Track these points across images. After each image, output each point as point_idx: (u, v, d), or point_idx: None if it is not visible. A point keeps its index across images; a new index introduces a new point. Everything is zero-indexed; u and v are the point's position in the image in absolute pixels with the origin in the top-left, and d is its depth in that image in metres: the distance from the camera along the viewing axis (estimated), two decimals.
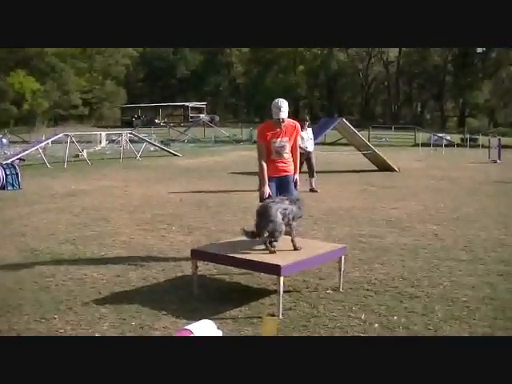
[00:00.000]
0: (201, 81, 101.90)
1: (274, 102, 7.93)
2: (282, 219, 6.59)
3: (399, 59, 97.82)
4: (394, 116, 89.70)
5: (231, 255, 6.51)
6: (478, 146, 39.17)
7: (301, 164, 15.01)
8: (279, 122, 7.85)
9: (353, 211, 12.73)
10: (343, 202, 14.12)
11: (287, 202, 6.83)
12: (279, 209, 6.60)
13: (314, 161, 17.07)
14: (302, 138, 15.70)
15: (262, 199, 7.62)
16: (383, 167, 22.41)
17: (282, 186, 7.96)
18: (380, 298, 6.72)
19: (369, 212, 12.54)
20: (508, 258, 8.61)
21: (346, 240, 9.42)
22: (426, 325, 5.89)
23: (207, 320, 3.08)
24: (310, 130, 17.23)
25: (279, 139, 7.93)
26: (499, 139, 30.47)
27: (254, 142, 45.82)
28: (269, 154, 7.93)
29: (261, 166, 7.87)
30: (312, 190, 16.29)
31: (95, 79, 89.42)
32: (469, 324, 5.91)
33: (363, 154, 23.10)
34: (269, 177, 7.85)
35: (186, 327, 3.05)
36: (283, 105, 7.83)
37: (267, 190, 7.71)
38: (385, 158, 22.34)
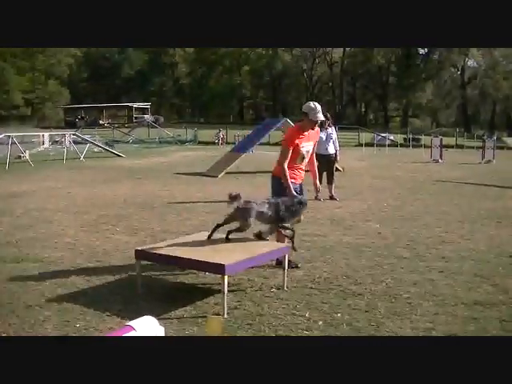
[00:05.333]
0: (145, 81, 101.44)
1: (310, 106, 7.78)
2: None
3: (343, 60, 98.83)
4: (338, 116, 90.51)
5: (175, 255, 6.50)
6: (421, 145, 39.88)
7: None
8: (311, 125, 7.80)
9: None
10: None
11: (266, 206, 7.22)
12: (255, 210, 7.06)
13: (336, 165, 15.65)
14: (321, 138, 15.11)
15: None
16: None
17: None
18: (324, 296, 6.79)
19: (313, 211, 12.61)
20: (448, 255, 8.80)
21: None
22: (368, 321, 5.97)
23: (149, 316, 3.07)
24: (332, 129, 15.47)
25: (307, 143, 7.87)
26: (441, 139, 31.04)
27: (199, 143, 45.95)
28: (293, 159, 7.82)
29: (285, 170, 7.71)
30: (332, 198, 14.84)
31: (37, 79, 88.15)
32: (411, 320, 6.02)
33: None
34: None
35: (127, 323, 3.03)
36: (319, 106, 7.76)
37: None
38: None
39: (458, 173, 23.07)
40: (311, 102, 7.89)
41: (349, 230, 10.73)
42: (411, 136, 45.13)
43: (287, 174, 7.74)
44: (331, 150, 15.19)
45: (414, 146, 41.42)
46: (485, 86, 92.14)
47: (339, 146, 15.50)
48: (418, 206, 13.44)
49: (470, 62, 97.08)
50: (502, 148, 33.47)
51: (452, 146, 40.87)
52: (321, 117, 7.81)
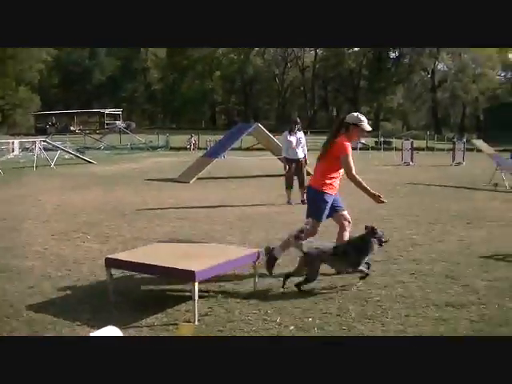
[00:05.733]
0: (117, 87, 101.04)
1: (359, 117, 7.88)
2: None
3: (315, 64, 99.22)
4: (310, 120, 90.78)
5: (145, 262, 6.47)
6: (392, 148, 40.08)
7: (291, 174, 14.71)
8: (361, 135, 8.10)
9: (269, 215, 12.83)
10: (260, 207, 14.21)
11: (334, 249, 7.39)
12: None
13: (305, 169, 15.28)
14: (283, 145, 15.23)
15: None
16: None
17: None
18: (295, 301, 6.78)
19: (285, 216, 12.66)
20: (419, 257, 8.87)
21: (262, 244, 9.45)
22: (340, 325, 5.98)
23: (112, 326, 3.03)
24: (301, 133, 15.35)
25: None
26: (412, 142, 31.33)
27: (171, 149, 45.79)
28: (338, 169, 7.97)
29: (359, 179, 7.88)
30: (304, 202, 13.80)
31: (7, 85, 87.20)
32: (382, 322, 6.04)
33: (279, 159, 23.26)
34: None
35: (89, 334, 3.00)
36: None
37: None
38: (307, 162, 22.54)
39: (429, 175, 23.26)
40: (357, 113, 8.00)
41: (320, 234, 10.71)
42: (382, 139, 45.44)
43: (363, 183, 7.92)
44: (301, 154, 15.17)
45: (385, 149, 41.66)
46: (455, 89, 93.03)
47: (307, 149, 15.51)
48: (389, 209, 13.49)
49: (440, 66, 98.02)
50: (471, 150, 33.72)
51: (423, 149, 41.17)
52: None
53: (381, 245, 7.44)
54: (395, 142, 41.85)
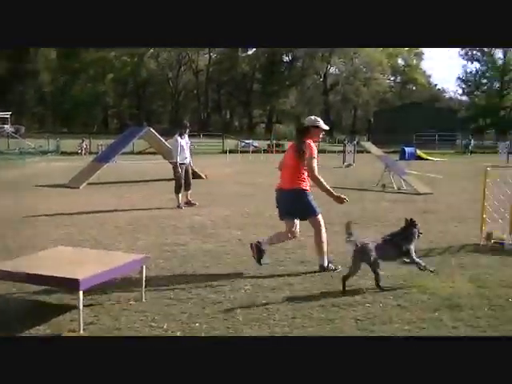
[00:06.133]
0: (5, 89, 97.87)
1: (316, 118, 8.58)
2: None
3: (209, 67, 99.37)
4: (203, 123, 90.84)
5: (27, 272, 6.27)
6: (284, 151, 40.52)
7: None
8: (319, 134, 8.68)
9: (159, 220, 12.73)
10: (150, 211, 14.09)
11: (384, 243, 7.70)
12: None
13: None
14: (174, 149, 15.16)
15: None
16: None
17: None
18: (183, 306, 6.74)
19: (174, 220, 12.60)
20: (307, 259, 9.01)
21: (150, 249, 9.40)
22: (227, 329, 5.97)
23: None
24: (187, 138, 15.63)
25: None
26: None
27: (62, 153, 44.82)
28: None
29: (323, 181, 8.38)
30: (190, 203, 15.23)
31: None
32: (268, 325, 6.07)
33: (170, 163, 23.16)
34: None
35: None
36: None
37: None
38: (192, 165, 22.51)
39: (321, 176, 23.55)
40: (313, 116, 8.71)
41: (209, 237, 10.75)
42: (275, 142, 45.97)
43: (325, 183, 8.39)
44: (189, 158, 15.50)
45: (277, 152, 42.12)
46: (346, 92, 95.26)
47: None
48: (277, 212, 13.63)
49: (333, 69, 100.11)
50: (361, 152, 34.53)
51: None
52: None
53: (419, 235, 7.91)
54: (287, 145, 42.27)
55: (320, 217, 8.64)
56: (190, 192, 15.44)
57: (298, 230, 8.72)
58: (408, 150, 42.21)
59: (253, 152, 39.71)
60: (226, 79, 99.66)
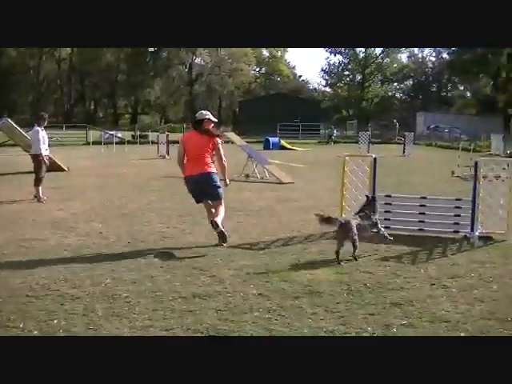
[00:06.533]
0: None
1: (205, 112, 9.85)
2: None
3: (72, 57, 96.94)
4: (66, 115, 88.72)
5: None
6: (149, 142, 40.29)
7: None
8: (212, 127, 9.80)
9: (17, 214, 12.30)
10: (9, 206, 13.61)
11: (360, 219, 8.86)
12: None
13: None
14: (37, 140, 14.70)
15: None
16: (54, 167, 21.95)
17: None
18: (40, 303, 6.54)
19: (34, 214, 12.22)
20: (169, 250, 8.99)
21: (6, 246, 9.09)
22: (86, 325, 5.86)
23: None
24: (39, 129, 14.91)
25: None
26: (167, 135, 31.69)
27: None
28: None
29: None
30: (39, 200, 14.38)
31: None
32: (129, 319, 6.01)
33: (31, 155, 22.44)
34: None
35: None
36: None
37: None
38: (54, 157, 21.92)
39: None
40: (202, 111, 10.01)
41: (70, 231, 10.50)
42: (139, 133, 45.57)
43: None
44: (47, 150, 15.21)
45: (141, 143, 41.84)
46: (211, 82, 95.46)
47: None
48: (141, 203, 13.55)
49: (198, 60, 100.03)
50: (227, 142, 34.68)
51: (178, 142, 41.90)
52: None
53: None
54: (151, 136, 42.02)
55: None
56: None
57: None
58: (272, 140, 42.80)
59: (117, 143, 39.16)
60: (89, 69, 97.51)
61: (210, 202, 9.58)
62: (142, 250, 9.05)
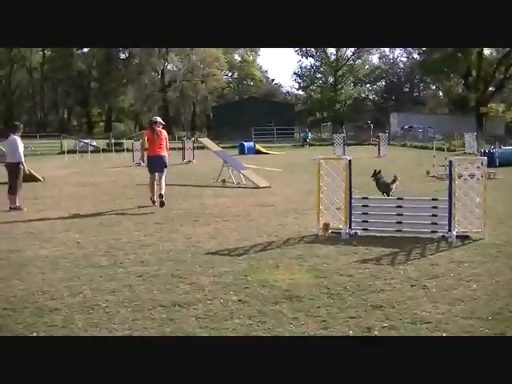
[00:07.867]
0: None
1: (155, 118, 15.88)
2: None
3: (43, 65, 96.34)
4: (40, 124, 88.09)
5: None
6: (123, 150, 40.08)
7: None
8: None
9: None
10: None
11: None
12: None
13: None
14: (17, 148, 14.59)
15: None
16: (28, 178, 21.73)
17: None
18: (18, 316, 6.46)
19: (10, 226, 12.09)
20: (147, 258, 8.94)
21: None
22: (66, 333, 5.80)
23: None
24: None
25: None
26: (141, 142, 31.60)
27: None
28: None
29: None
30: (14, 208, 14.38)
31: None
32: (109, 329, 5.97)
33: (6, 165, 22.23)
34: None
35: None
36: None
37: None
38: (28, 168, 21.71)
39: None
40: (154, 117, 16.23)
41: (47, 242, 10.39)
42: (114, 141, 45.35)
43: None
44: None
45: (116, 151, 41.57)
46: (184, 88, 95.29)
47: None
48: (117, 212, 13.47)
49: (170, 66, 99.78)
50: (202, 148, 34.69)
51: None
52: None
53: None
54: (126, 143, 41.83)
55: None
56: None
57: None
58: (247, 144, 42.83)
59: (92, 152, 38.98)
60: (61, 77, 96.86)
61: (157, 175, 14.67)
62: (119, 259, 8.97)
